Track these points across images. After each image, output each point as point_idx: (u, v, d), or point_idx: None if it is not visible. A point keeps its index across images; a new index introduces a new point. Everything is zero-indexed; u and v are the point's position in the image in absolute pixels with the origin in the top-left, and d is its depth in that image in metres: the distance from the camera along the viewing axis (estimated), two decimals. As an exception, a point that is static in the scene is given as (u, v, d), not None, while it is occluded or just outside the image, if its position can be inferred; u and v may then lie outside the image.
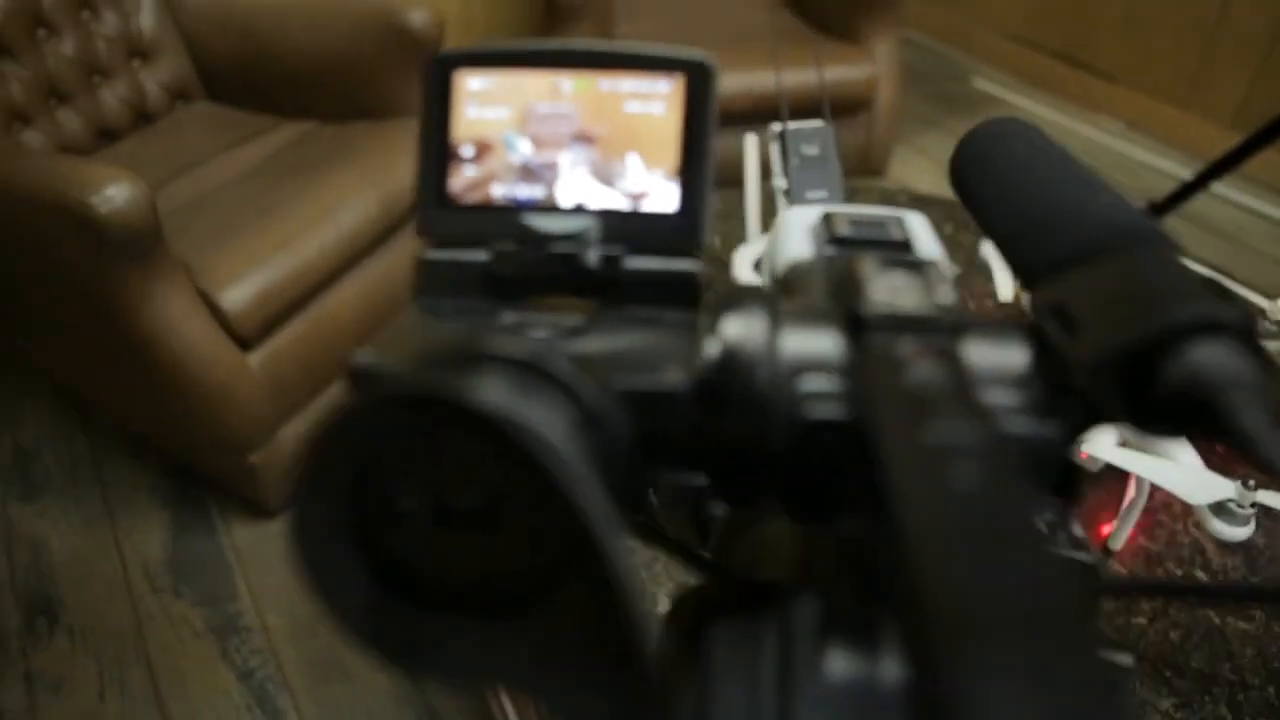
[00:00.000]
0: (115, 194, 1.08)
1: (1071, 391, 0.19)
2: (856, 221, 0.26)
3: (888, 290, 0.20)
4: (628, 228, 0.24)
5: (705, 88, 0.24)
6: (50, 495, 1.50)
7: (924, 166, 2.41)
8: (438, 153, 0.25)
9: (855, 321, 0.20)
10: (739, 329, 0.20)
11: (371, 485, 0.17)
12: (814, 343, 0.20)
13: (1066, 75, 2.72)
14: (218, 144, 1.66)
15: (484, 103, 0.25)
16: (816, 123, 0.98)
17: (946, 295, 0.21)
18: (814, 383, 0.20)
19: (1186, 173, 0.48)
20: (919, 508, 0.13)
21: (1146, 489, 0.76)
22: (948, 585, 0.12)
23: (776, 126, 0.98)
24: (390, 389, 0.16)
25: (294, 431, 1.39)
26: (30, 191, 1.18)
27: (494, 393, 0.17)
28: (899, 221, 0.27)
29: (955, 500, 0.13)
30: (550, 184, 0.24)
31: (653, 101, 0.24)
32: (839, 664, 0.19)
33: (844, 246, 0.25)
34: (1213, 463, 0.83)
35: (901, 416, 0.16)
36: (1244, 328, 0.18)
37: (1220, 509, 0.65)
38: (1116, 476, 0.77)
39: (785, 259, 0.26)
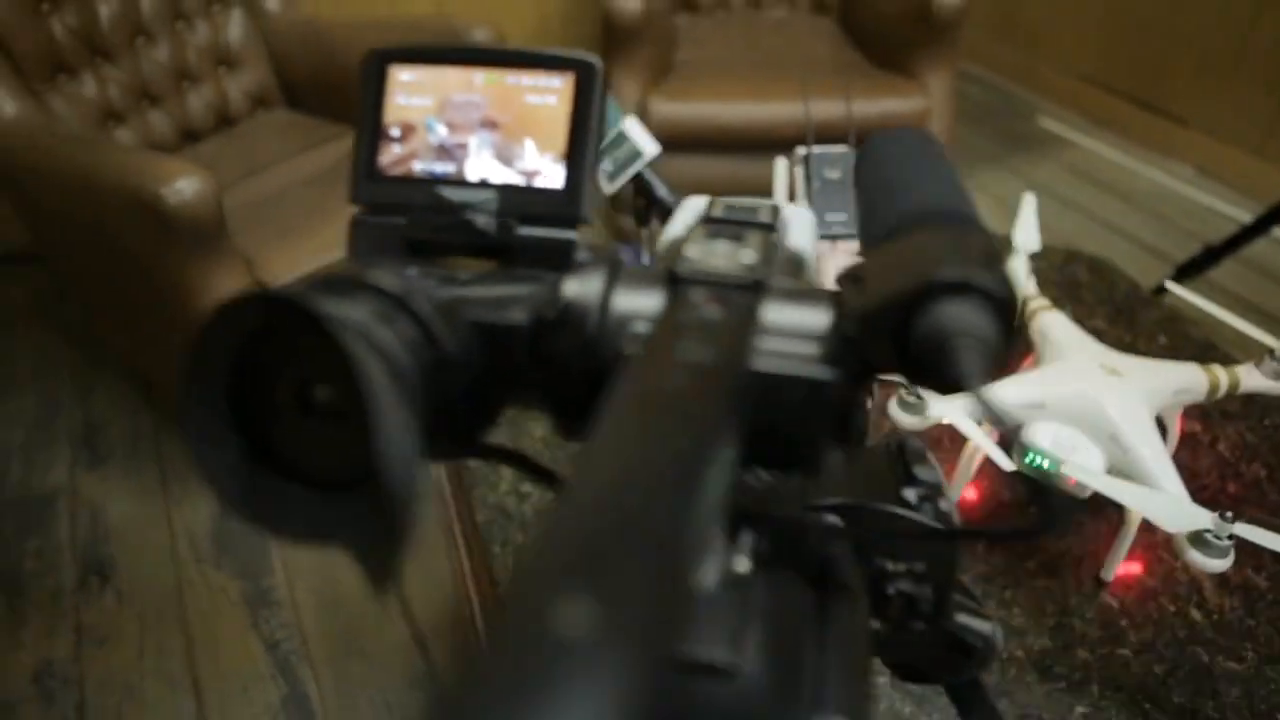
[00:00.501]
0: (184, 187, 1.17)
1: (854, 343, 0.22)
2: (732, 207, 0.29)
3: (702, 255, 0.23)
4: (521, 201, 0.28)
5: (591, 84, 0.27)
6: (113, 465, 1.61)
7: (981, 202, 2.39)
8: (371, 133, 0.29)
9: (672, 278, 0.23)
10: (577, 286, 0.24)
11: (254, 379, 0.21)
12: (640, 298, 0.24)
13: (1136, 117, 2.68)
14: (290, 148, 1.76)
15: (411, 92, 0.29)
16: (841, 148, 1.01)
17: (767, 265, 0.24)
18: (638, 327, 0.23)
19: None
20: (614, 405, 0.16)
21: (1136, 520, 0.76)
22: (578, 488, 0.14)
23: (801, 150, 1.01)
24: (257, 294, 0.20)
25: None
26: (110, 182, 1.28)
27: (342, 308, 0.20)
28: (773, 210, 0.30)
29: (641, 401, 0.16)
30: (461, 162, 0.28)
31: (548, 94, 0.28)
32: None
33: (716, 225, 0.29)
34: (1199, 497, 0.83)
35: (659, 340, 0.19)
36: (994, 293, 0.21)
37: (1198, 539, 0.65)
38: (1117, 506, 0.78)
39: (667, 237, 0.30)
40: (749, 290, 0.23)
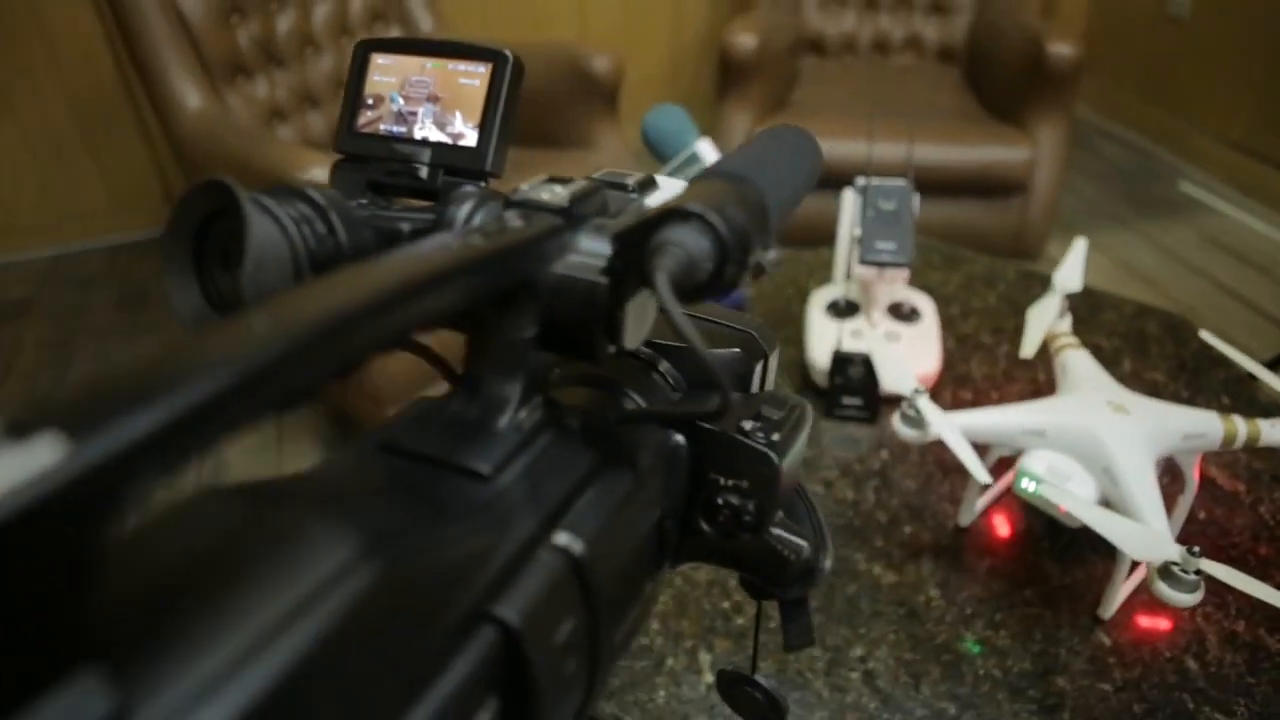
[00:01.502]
0: (316, 174, 1.33)
1: (617, 256, 0.29)
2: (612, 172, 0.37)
3: (534, 190, 0.31)
4: (447, 156, 0.36)
5: (502, 72, 0.36)
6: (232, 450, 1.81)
7: (1097, 263, 2.33)
8: (353, 101, 0.38)
9: (506, 201, 0.31)
10: (451, 209, 0.32)
11: (206, 242, 0.31)
12: (483, 213, 0.32)
13: (1285, 188, 2.53)
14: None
15: (383, 72, 0.38)
16: (899, 181, 1.06)
17: (580, 203, 0.31)
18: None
19: None
20: (397, 251, 0.24)
21: (1127, 560, 0.77)
22: None
23: (861, 181, 1.06)
24: (211, 180, 0.29)
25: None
26: (268, 170, 1.47)
27: (271, 200, 0.29)
28: (642, 179, 0.37)
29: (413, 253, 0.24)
30: (411, 126, 0.37)
31: (474, 78, 0.36)
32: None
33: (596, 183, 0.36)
34: (1223, 554, 0.82)
35: (467, 237, 0.27)
36: (713, 224, 0.27)
37: (1166, 572, 0.66)
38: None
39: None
40: (554, 214, 0.30)
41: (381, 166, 0.37)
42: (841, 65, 2.35)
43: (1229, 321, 2.02)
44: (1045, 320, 0.88)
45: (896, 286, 1.11)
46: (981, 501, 0.91)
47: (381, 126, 0.38)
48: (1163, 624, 0.80)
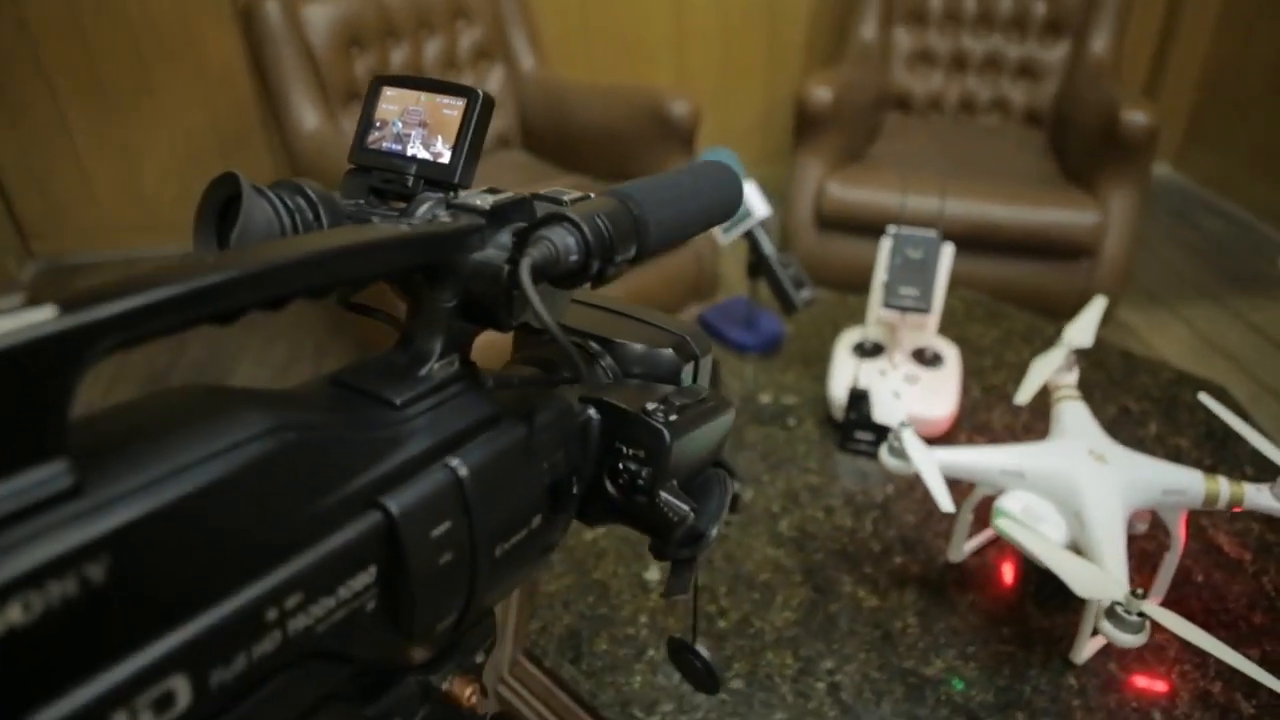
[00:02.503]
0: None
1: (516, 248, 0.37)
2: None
3: (470, 197, 0.39)
4: (428, 170, 0.45)
5: (474, 105, 0.45)
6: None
7: (1179, 336, 2.27)
8: (366, 122, 0.48)
9: (449, 205, 0.40)
10: (412, 209, 0.41)
11: (230, 222, 0.40)
12: (432, 211, 0.40)
13: (1397, 274, 2.41)
14: (517, 182, 2.08)
15: (389, 102, 0.47)
16: (929, 233, 1.11)
17: (510, 211, 0.39)
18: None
19: None
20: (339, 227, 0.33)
21: (1094, 608, 0.79)
22: None
23: (892, 229, 1.12)
24: (227, 173, 0.38)
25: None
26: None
27: (275, 190, 0.39)
28: (575, 197, 0.45)
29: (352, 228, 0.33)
30: (405, 145, 0.46)
31: (453, 109, 0.45)
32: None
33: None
34: (1212, 619, 0.84)
35: (397, 224, 0.36)
36: (578, 224, 0.35)
37: (1112, 613, 0.69)
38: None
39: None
40: (478, 215, 0.38)
41: (380, 176, 0.46)
42: (926, 123, 2.39)
43: (1313, 407, 1.95)
44: (1046, 370, 0.91)
45: (923, 332, 1.15)
46: (974, 542, 0.94)
47: (384, 145, 0.47)
48: (1144, 681, 0.81)
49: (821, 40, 2.80)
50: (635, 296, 1.83)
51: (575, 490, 0.43)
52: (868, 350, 1.16)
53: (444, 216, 0.38)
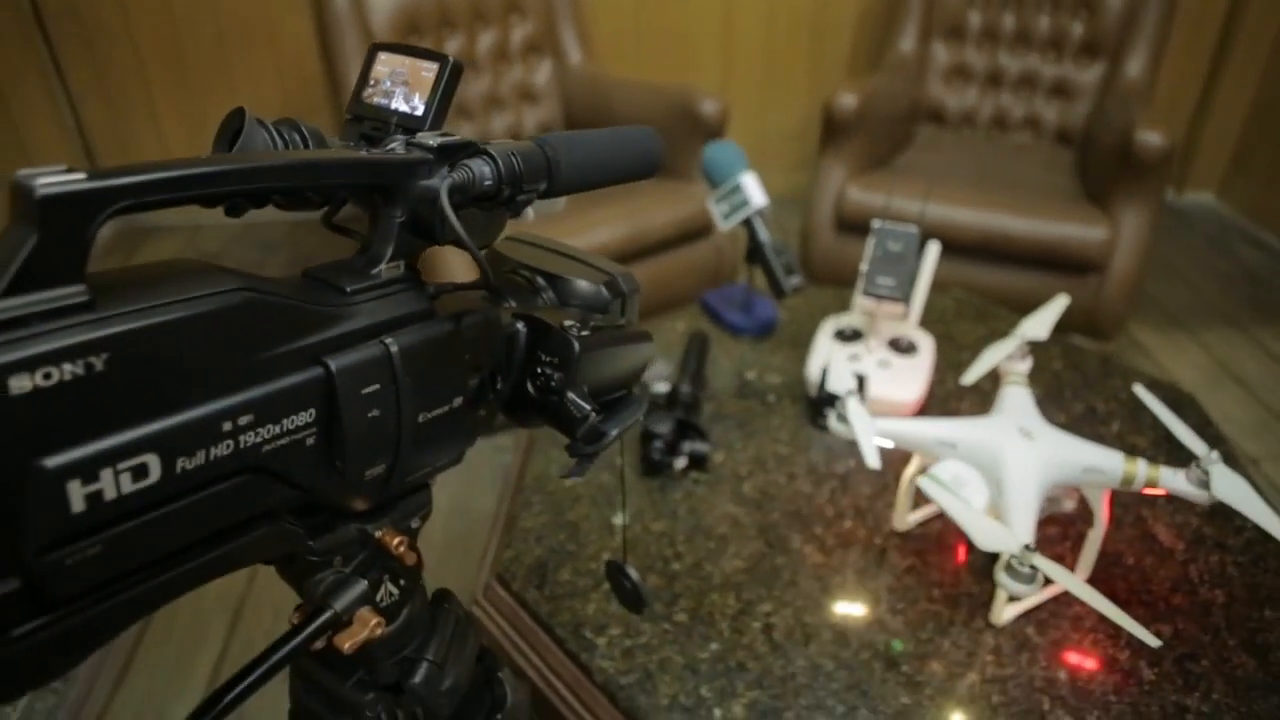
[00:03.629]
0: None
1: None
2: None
3: (426, 137, 0.49)
4: (405, 120, 0.55)
5: (444, 69, 0.54)
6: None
7: (1193, 359, 2.28)
8: (363, 79, 0.58)
9: (406, 143, 0.49)
10: (384, 147, 0.50)
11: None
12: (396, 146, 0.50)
13: None
14: (552, 170, 2.18)
15: (382, 64, 0.57)
16: (910, 228, 1.17)
17: (463, 152, 0.49)
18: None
19: None
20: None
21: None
22: None
23: (876, 223, 1.19)
24: (237, 109, 0.48)
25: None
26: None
27: (277, 127, 0.49)
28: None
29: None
30: (391, 99, 0.56)
31: (429, 72, 0.55)
32: None
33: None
34: (1136, 598, 0.89)
35: (355, 150, 0.45)
36: (494, 156, 0.45)
37: (1008, 565, 0.76)
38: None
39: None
40: (426, 151, 0.47)
41: (370, 124, 0.56)
42: (958, 136, 2.43)
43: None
44: (996, 357, 0.97)
45: (901, 322, 1.22)
46: (920, 514, 1.01)
47: (375, 99, 0.57)
48: (1055, 643, 0.87)
49: (864, 51, 2.85)
50: (660, 282, 1.92)
51: (499, 386, 0.52)
52: (848, 336, 1.23)
53: (399, 149, 0.48)
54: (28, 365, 0.29)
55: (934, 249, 1.22)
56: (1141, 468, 0.84)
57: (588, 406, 0.53)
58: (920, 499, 0.99)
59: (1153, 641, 0.72)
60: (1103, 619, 0.88)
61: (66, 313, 0.31)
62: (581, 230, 1.81)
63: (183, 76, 2.79)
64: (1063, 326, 1.98)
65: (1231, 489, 0.81)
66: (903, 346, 1.21)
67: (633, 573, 0.71)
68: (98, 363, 0.31)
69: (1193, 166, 3.21)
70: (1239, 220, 3.10)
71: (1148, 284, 2.62)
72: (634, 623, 0.90)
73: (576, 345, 0.51)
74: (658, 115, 2.05)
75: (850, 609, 0.92)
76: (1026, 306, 1.81)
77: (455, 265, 1.69)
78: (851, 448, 1.12)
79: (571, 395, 0.53)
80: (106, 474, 0.32)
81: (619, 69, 2.61)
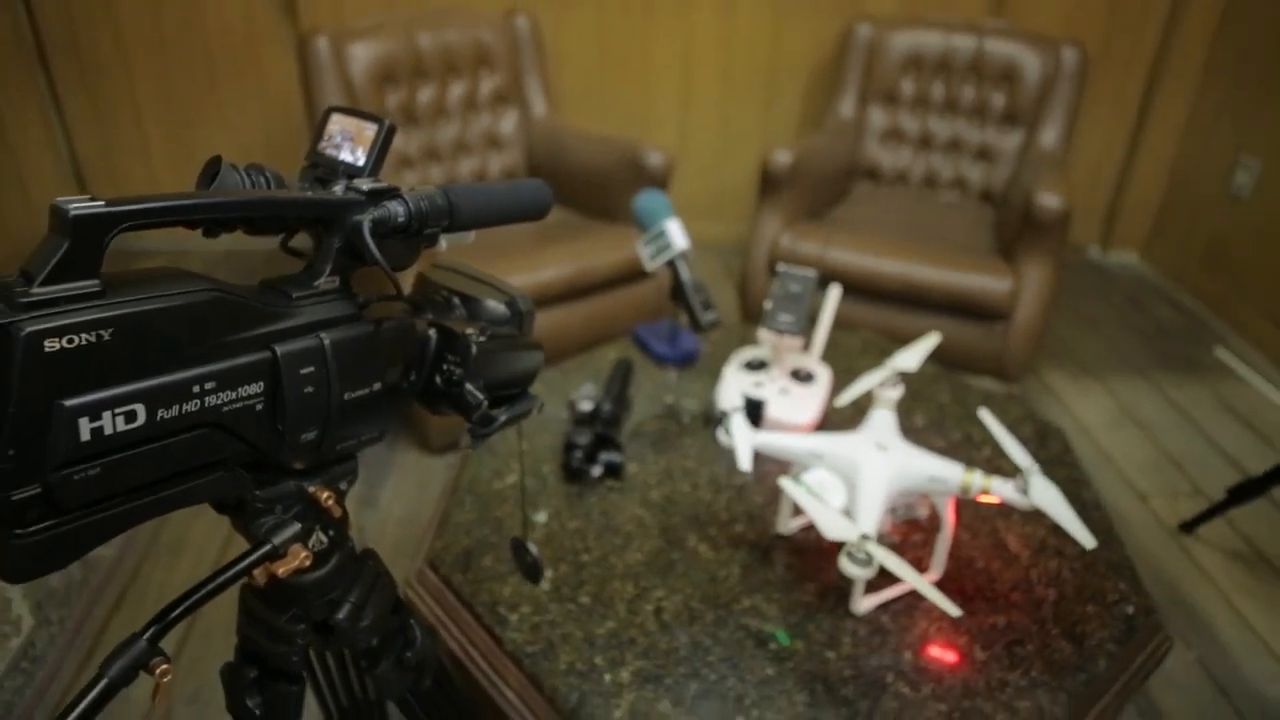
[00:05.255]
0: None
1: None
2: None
3: (361, 183, 0.63)
4: (348, 168, 0.69)
5: (382, 130, 0.68)
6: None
7: (1099, 403, 2.44)
8: (318, 134, 0.72)
9: (345, 187, 0.63)
10: (329, 190, 0.65)
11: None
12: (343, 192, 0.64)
13: (1317, 370, 2.58)
14: (514, 211, 2.33)
15: (335, 124, 0.72)
16: (808, 272, 1.33)
17: (386, 194, 0.63)
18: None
19: None
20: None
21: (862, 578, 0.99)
22: None
23: (780, 267, 1.34)
24: (216, 158, 0.62)
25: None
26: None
27: (242, 168, 0.63)
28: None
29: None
30: (339, 151, 0.70)
31: (371, 131, 0.69)
32: None
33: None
34: (963, 586, 1.02)
35: (302, 191, 0.60)
36: (408, 200, 0.59)
37: (849, 553, 0.90)
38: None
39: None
40: (359, 194, 0.62)
41: (322, 170, 0.70)
42: (892, 192, 2.62)
43: (1208, 475, 2.11)
44: (868, 383, 1.12)
45: (801, 355, 1.37)
46: (802, 520, 1.15)
47: (328, 151, 0.71)
48: (904, 629, 1.01)
49: (811, 113, 3.05)
50: (603, 318, 2.07)
51: (413, 377, 0.66)
52: (755, 366, 1.38)
53: (339, 191, 0.62)
54: (56, 332, 0.42)
55: (835, 291, 1.38)
56: (977, 478, 0.99)
57: (481, 396, 0.67)
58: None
59: (954, 611, 0.86)
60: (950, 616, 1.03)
61: (85, 298, 0.44)
62: (529, 269, 1.96)
63: (173, 111, 2.93)
64: (973, 369, 2.15)
65: (1045, 495, 0.95)
66: (802, 376, 1.36)
67: (532, 548, 0.84)
68: (105, 334, 0.44)
69: (1117, 228, 3.43)
70: (1158, 279, 3.31)
71: (1066, 334, 2.80)
72: (542, 603, 1.03)
73: (474, 348, 0.65)
74: (609, 164, 2.21)
75: (732, 598, 1.05)
76: (942, 350, 1.98)
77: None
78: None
79: (469, 387, 0.67)
80: (106, 415, 0.45)
81: (582, 122, 2.79)
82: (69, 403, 0.43)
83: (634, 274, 2.09)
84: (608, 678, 0.94)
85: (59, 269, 0.44)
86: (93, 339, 0.43)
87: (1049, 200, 1.93)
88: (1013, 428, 1.39)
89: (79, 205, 0.44)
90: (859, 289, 2.09)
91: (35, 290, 0.43)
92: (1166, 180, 3.31)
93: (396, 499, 1.90)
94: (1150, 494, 2.07)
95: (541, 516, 1.15)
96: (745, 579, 1.07)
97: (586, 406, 1.28)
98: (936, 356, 1.71)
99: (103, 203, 0.45)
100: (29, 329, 0.41)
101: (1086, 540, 0.92)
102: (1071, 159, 3.23)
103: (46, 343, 0.42)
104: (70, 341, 0.42)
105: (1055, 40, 2.51)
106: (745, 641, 0.99)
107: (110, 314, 0.44)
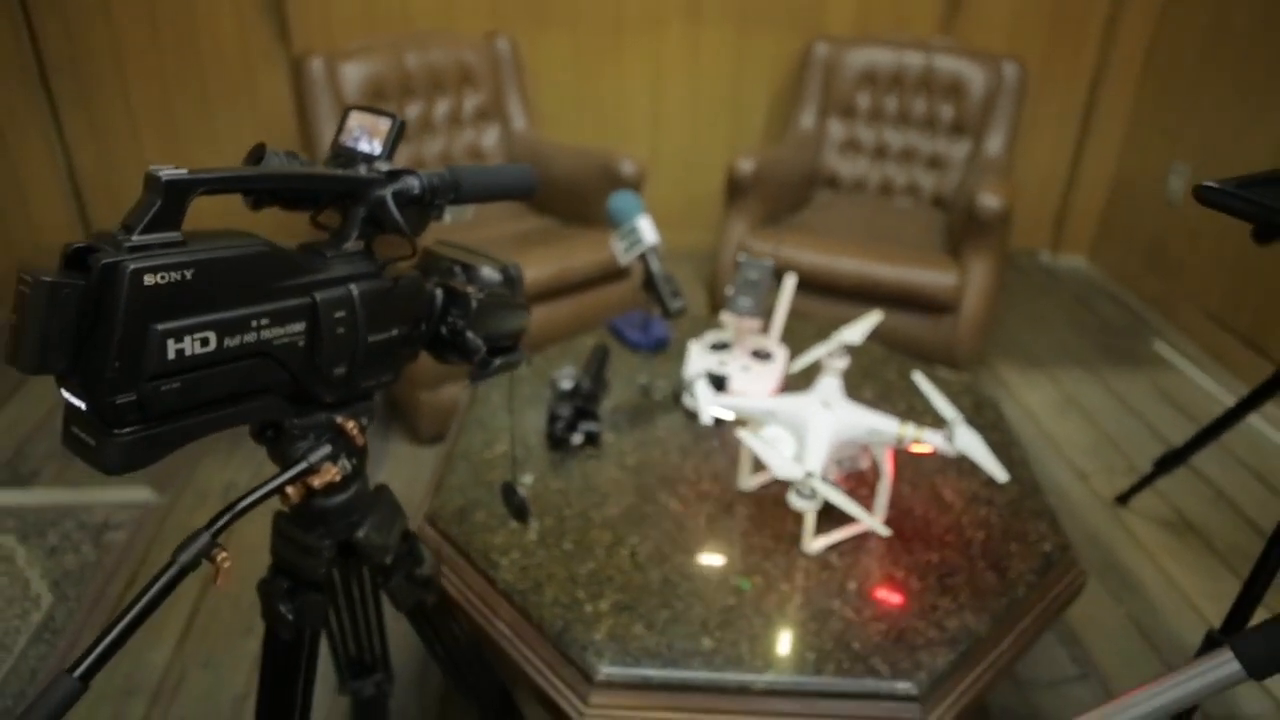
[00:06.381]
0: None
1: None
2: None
3: (380, 163, 0.75)
4: (370, 156, 0.81)
5: (395, 125, 0.81)
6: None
7: (1045, 391, 2.59)
8: (339, 129, 0.85)
9: (366, 167, 0.76)
10: (351, 170, 0.77)
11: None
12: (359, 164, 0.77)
13: (1246, 358, 2.75)
14: (502, 217, 2.46)
15: (353, 119, 0.84)
16: (766, 261, 1.47)
17: (395, 176, 0.76)
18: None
19: None
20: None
21: (813, 515, 1.12)
22: None
23: (740, 257, 1.48)
24: (260, 145, 0.74)
25: (451, 391, 2.06)
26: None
27: (281, 152, 0.75)
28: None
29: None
30: (358, 143, 0.83)
31: (385, 125, 0.82)
32: None
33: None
34: (904, 527, 1.15)
35: (330, 169, 0.72)
36: (421, 175, 0.72)
37: (795, 489, 1.02)
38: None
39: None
40: (379, 173, 0.74)
41: (344, 160, 0.83)
42: (850, 200, 2.77)
43: (1144, 455, 2.27)
44: (814, 355, 1.25)
45: (760, 336, 1.50)
46: (761, 479, 1.28)
47: (347, 143, 0.84)
48: (849, 566, 1.13)
49: (775, 125, 3.21)
50: (582, 314, 2.20)
51: (423, 328, 0.78)
52: (719, 347, 1.51)
53: (361, 170, 0.74)
54: (152, 270, 0.54)
55: (790, 280, 1.52)
56: (910, 429, 1.12)
57: (480, 344, 0.80)
58: (760, 466, 1.26)
59: (882, 530, 0.99)
60: (889, 551, 1.16)
61: (171, 245, 0.56)
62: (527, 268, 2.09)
63: (170, 129, 3.04)
64: (925, 358, 2.29)
65: (967, 441, 1.09)
66: (761, 355, 1.49)
67: (521, 490, 0.96)
68: (187, 274, 0.56)
69: (1066, 233, 3.61)
70: (1104, 280, 3.49)
71: (1017, 331, 2.97)
72: (530, 549, 1.15)
73: (474, 303, 0.78)
74: (585, 174, 2.35)
75: (698, 542, 1.17)
76: (897, 341, 2.12)
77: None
78: (713, 431, 1.39)
79: (470, 335, 0.80)
80: (187, 339, 0.57)
81: (560, 135, 2.93)
82: (159, 326, 0.54)
83: (610, 274, 2.22)
84: (589, 608, 1.06)
85: (153, 222, 0.55)
86: (178, 277, 0.55)
87: (989, 200, 2.09)
88: (954, 400, 1.54)
89: (169, 172, 0.56)
90: (818, 285, 2.23)
91: (135, 238, 0.55)
92: (1109, 187, 3.50)
93: (394, 485, 2.00)
94: (1090, 472, 2.22)
95: (528, 479, 1.27)
96: (710, 527, 1.20)
97: (567, 385, 1.41)
98: (891, 345, 1.85)
99: (186, 171, 0.57)
100: (133, 266, 0.53)
101: (999, 475, 1.05)
102: (1021, 169, 3.42)
103: (145, 277, 0.53)
104: (162, 278, 0.54)
105: (997, 56, 2.69)
106: (710, 577, 1.11)
107: (191, 258, 0.55)
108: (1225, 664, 0.63)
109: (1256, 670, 0.65)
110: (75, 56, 2.88)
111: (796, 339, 1.70)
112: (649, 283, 1.56)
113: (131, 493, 1.95)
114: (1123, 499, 2.08)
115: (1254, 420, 2.49)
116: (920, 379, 1.20)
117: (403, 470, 2.07)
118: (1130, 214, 3.39)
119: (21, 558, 1.72)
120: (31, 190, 2.97)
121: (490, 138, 2.62)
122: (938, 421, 1.44)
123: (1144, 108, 3.28)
